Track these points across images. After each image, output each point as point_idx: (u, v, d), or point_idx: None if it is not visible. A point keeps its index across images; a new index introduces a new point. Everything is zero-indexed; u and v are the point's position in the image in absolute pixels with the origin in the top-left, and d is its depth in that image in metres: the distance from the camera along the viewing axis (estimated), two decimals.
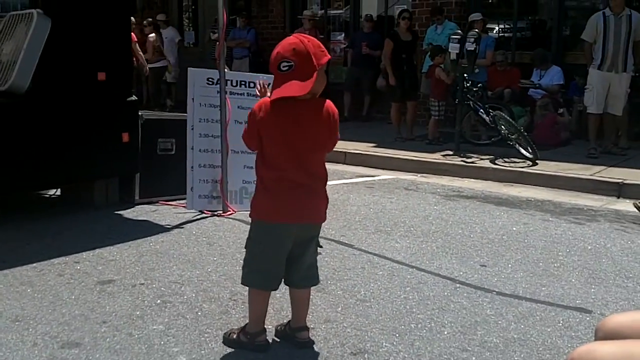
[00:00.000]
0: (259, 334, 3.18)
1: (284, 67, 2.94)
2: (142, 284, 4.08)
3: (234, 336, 3.23)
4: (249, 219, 3.18)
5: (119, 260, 4.52)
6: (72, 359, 3.06)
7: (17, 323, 3.44)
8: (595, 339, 1.97)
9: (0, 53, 5.53)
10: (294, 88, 2.91)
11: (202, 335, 3.36)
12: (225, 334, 3.28)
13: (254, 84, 5.94)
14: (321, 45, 3.03)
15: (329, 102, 3.08)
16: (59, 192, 6.41)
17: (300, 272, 3.19)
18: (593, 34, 8.68)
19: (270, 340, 3.26)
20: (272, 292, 3.23)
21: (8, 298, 3.78)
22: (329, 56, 3.06)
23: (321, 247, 3.29)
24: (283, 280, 3.21)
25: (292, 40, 2.98)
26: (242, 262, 3.24)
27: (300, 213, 3.06)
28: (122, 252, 4.69)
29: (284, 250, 3.11)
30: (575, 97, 10.07)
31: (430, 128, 10.08)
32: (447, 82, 9.61)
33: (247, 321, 3.25)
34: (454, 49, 9.12)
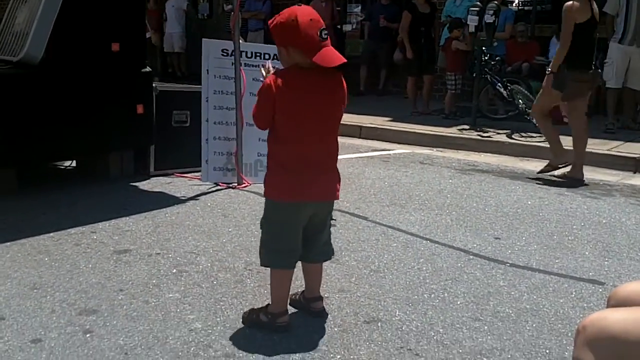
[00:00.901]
0: (281, 314, 3.11)
1: (325, 34, 2.90)
2: (158, 253, 4.13)
3: (254, 316, 3.16)
4: (264, 192, 3.13)
5: (135, 231, 4.56)
6: (90, 325, 3.11)
7: (35, 290, 3.49)
8: (608, 307, 1.98)
9: (13, 23, 5.55)
10: (334, 55, 2.89)
11: (217, 303, 3.40)
12: (244, 313, 3.22)
13: (269, 55, 5.95)
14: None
15: (341, 75, 3.06)
16: (74, 163, 6.45)
17: (317, 248, 3.19)
18: (616, 7, 8.57)
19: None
20: None
21: (26, 266, 3.84)
22: None
23: (334, 219, 3.28)
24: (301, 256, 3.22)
25: (312, 10, 2.97)
26: (257, 233, 3.26)
27: (318, 191, 3.03)
28: (137, 223, 4.73)
29: (301, 229, 3.08)
30: None
31: (447, 102, 10.03)
32: (465, 50, 9.52)
33: (263, 295, 3.24)
34: (472, 21, 9.05)
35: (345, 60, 2.92)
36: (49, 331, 3.04)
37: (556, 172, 6.63)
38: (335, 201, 3.20)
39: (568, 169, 6.54)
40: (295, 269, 3.13)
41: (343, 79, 3.06)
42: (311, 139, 2.98)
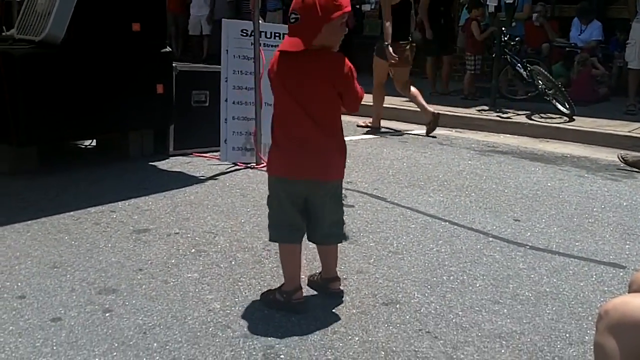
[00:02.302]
0: (295, 291, 3.13)
1: (291, 19, 2.95)
2: (177, 233, 4.14)
3: (271, 296, 3.18)
4: None
5: (154, 210, 4.58)
6: (109, 305, 3.13)
7: (55, 269, 3.52)
8: (629, 292, 1.96)
9: (36, 3, 5.56)
10: (287, 42, 2.98)
11: (235, 283, 3.41)
12: (262, 294, 3.25)
13: None
14: None
15: (338, 56, 3.01)
16: (94, 143, 6.48)
17: (321, 229, 3.18)
18: None
19: (303, 291, 3.28)
20: (304, 245, 3.24)
21: (46, 245, 3.87)
22: (346, 9, 2.94)
23: (345, 196, 3.23)
24: (307, 236, 3.22)
25: None
26: None
27: (305, 169, 3.03)
28: (157, 202, 4.75)
29: (295, 205, 3.09)
30: (616, 53, 9.84)
31: (466, 83, 9.96)
32: (477, 39, 9.47)
33: (281, 276, 3.22)
34: (492, 1, 8.95)
35: (289, 49, 2.94)
36: (68, 310, 3.06)
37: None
38: (337, 186, 3.16)
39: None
40: (311, 249, 3.12)
41: (341, 61, 3.00)
42: (301, 120, 3.00)
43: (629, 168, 6.22)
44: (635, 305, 1.73)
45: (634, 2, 8.57)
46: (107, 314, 3.03)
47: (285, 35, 3.07)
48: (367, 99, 5.19)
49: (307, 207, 3.13)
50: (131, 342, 2.79)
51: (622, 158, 6.31)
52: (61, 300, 3.16)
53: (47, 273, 3.47)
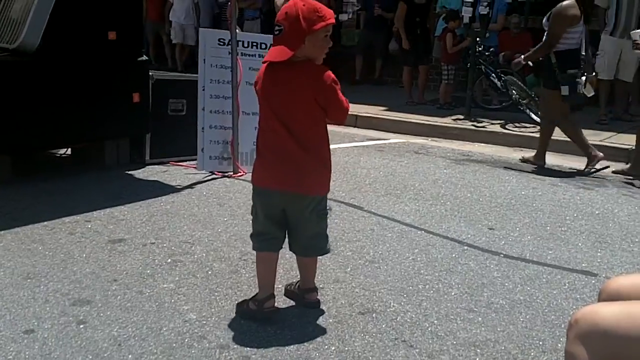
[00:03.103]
0: (267, 299, 3.13)
1: (275, 31, 2.98)
2: (153, 243, 4.13)
3: (245, 306, 3.18)
4: None
5: (130, 220, 4.56)
6: (84, 316, 3.11)
7: (28, 280, 3.49)
8: (599, 301, 2.00)
9: (10, 10, 5.52)
10: (271, 53, 3.00)
11: (212, 293, 3.41)
12: (237, 304, 3.24)
13: (265, 45, 5.94)
14: (319, 9, 2.94)
15: (320, 67, 3.02)
16: (69, 151, 6.44)
17: (300, 241, 3.20)
18: (606, 0, 8.58)
19: (280, 300, 3.29)
20: (281, 254, 3.24)
21: (19, 255, 3.83)
22: (329, 21, 2.96)
23: (329, 209, 3.26)
24: (288, 246, 3.23)
25: (289, 3, 2.98)
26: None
27: (282, 181, 3.04)
28: (132, 212, 4.73)
29: (273, 214, 3.11)
30: None
31: (441, 92, 10.04)
32: (448, 51, 9.58)
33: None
34: (467, 12, 9.04)
35: (274, 59, 2.97)
36: (42, 322, 3.04)
37: None
38: (319, 200, 3.14)
39: None
40: (288, 259, 3.13)
41: (322, 74, 2.99)
42: (279, 129, 3.02)
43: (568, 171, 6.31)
44: (605, 314, 1.76)
45: (604, 15, 8.71)
46: (81, 326, 3.01)
47: (270, 47, 3.11)
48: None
49: (286, 218, 3.13)
50: (106, 354, 2.78)
51: (524, 160, 6.91)
52: (34, 311, 3.14)
53: (20, 284, 3.44)
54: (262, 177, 3.12)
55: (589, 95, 6.68)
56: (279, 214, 3.12)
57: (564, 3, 6.43)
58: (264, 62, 3.08)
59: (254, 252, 3.23)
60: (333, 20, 3.00)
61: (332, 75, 3.02)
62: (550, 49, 6.44)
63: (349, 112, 3.17)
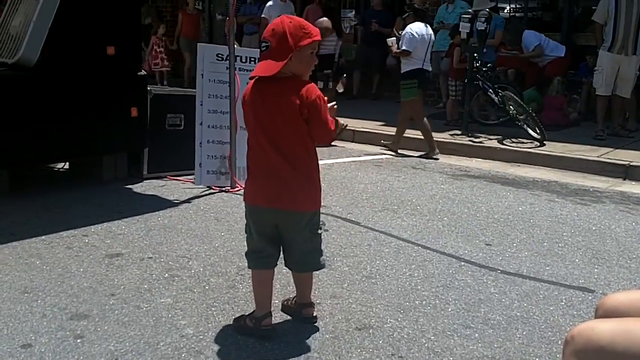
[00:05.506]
0: (264, 317, 3.13)
1: (262, 47, 3.01)
2: (150, 257, 4.13)
3: (242, 322, 3.19)
4: None
5: (127, 234, 4.56)
6: (81, 331, 3.11)
7: (26, 294, 3.49)
8: (596, 317, 2.01)
9: (9, 25, 5.55)
10: (258, 68, 3.04)
11: (209, 308, 3.41)
12: (234, 319, 3.25)
13: None
14: (305, 26, 3.00)
15: (306, 83, 3.03)
16: (67, 166, 6.44)
17: (294, 258, 3.21)
18: (604, 16, 8.62)
19: (277, 315, 3.29)
20: (278, 269, 3.25)
21: (17, 270, 3.83)
22: (316, 38, 3.00)
23: (323, 224, 3.27)
24: (283, 262, 3.24)
25: (276, 20, 3.04)
26: None
27: (273, 198, 3.05)
28: (130, 226, 4.74)
29: (265, 232, 3.13)
30: (584, 79, 10.03)
31: (449, 109, 10.02)
32: (455, 66, 9.60)
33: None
34: (464, 28, 9.07)
35: (259, 74, 3.02)
36: (39, 336, 3.04)
37: None
38: (312, 217, 3.14)
39: None
40: (285, 274, 3.13)
41: (308, 90, 2.99)
42: (266, 146, 3.04)
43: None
44: (601, 331, 1.77)
45: (600, 30, 8.76)
46: (78, 340, 3.01)
47: (257, 63, 3.14)
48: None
49: (280, 234, 3.15)
50: None
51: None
52: (32, 326, 3.14)
53: (17, 298, 3.44)
54: (253, 195, 3.14)
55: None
56: (272, 231, 3.13)
57: None
58: (250, 78, 3.12)
59: None
60: (319, 37, 3.06)
61: (318, 92, 3.04)
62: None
63: (347, 127, 3.18)
